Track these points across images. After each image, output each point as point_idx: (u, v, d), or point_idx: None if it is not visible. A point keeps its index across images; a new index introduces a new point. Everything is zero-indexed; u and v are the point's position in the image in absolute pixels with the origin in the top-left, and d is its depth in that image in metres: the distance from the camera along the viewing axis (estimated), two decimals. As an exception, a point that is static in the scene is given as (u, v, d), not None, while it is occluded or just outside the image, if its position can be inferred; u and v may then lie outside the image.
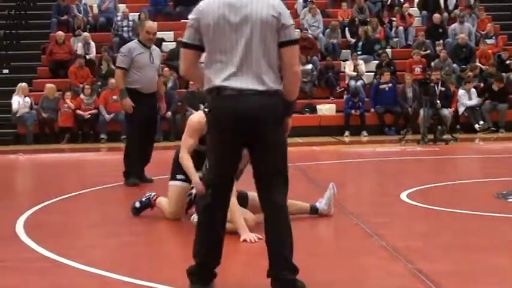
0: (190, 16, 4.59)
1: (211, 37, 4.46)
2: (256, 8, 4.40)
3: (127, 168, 10.07)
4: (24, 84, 18.84)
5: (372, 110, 18.95)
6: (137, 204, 7.51)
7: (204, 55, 4.60)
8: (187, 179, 7.00)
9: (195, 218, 6.85)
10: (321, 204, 7.13)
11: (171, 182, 7.22)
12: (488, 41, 21.28)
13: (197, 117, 6.82)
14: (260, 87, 4.39)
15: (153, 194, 7.52)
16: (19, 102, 18.51)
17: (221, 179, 4.57)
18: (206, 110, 4.70)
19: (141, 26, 10.89)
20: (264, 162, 4.49)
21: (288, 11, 4.53)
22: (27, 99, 18.68)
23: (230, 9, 4.43)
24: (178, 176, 7.13)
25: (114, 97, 17.53)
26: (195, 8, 4.59)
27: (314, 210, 7.11)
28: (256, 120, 4.39)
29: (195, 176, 6.64)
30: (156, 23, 11.24)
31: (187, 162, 6.78)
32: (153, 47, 10.18)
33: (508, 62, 20.36)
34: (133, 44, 10.17)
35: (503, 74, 19.65)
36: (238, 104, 4.38)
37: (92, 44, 20.93)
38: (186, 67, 4.67)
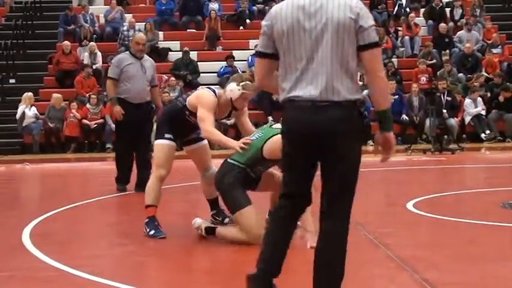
0: (263, 22, 4.23)
1: (285, 44, 4.11)
2: (332, 11, 4.04)
3: (117, 175, 10.48)
4: (29, 93, 18.87)
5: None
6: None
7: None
8: (175, 139, 7.04)
9: (195, 223, 6.85)
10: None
11: (159, 141, 7.06)
12: (494, 51, 21.26)
13: (210, 95, 6.83)
14: (336, 98, 4.03)
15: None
16: (25, 112, 18.55)
17: (296, 191, 4.28)
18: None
19: (132, 37, 11.21)
20: (332, 181, 4.16)
21: (368, 11, 4.17)
22: (33, 108, 18.71)
23: (304, 13, 4.07)
24: (167, 135, 7.05)
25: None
26: (267, 13, 4.27)
27: None
28: (328, 134, 4.04)
29: (230, 141, 6.71)
30: (143, 34, 11.57)
31: (216, 133, 6.77)
32: (146, 57, 10.40)
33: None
34: (124, 55, 10.51)
35: (508, 84, 19.62)
36: (311, 116, 4.04)
37: (99, 53, 20.99)
38: (261, 77, 4.31)
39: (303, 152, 4.14)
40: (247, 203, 6.35)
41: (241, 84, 6.74)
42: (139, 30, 21.14)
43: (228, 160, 6.57)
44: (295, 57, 4.09)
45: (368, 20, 4.09)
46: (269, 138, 6.45)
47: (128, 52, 10.52)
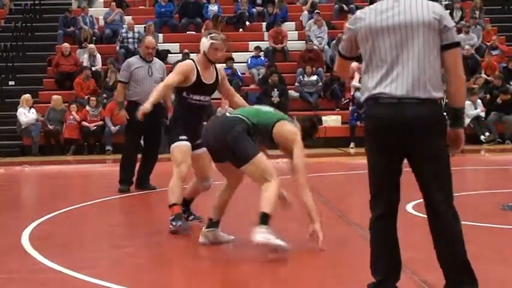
0: (347, 25, 4.44)
1: (371, 45, 4.28)
2: (417, 12, 4.21)
3: (121, 176, 10.63)
4: (27, 95, 18.86)
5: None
6: None
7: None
8: (189, 140, 7.28)
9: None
10: None
11: (175, 144, 7.30)
12: (494, 52, 21.28)
13: (184, 62, 7.37)
14: (422, 95, 4.19)
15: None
16: (24, 113, 18.55)
17: (384, 191, 4.47)
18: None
19: (141, 41, 11.62)
20: (423, 177, 4.40)
21: (449, 14, 4.38)
22: (33, 110, 18.72)
23: (389, 15, 4.24)
24: (182, 137, 7.29)
25: (120, 109, 17.54)
26: (353, 16, 4.49)
27: None
28: (414, 130, 4.20)
29: (150, 101, 7.07)
30: (152, 38, 11.68)
31: (155, 90, 7.25)
32: (155, 60, 10.73)
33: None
34: (134, 58, 10.82)
35: (509, 86, 19.63)
36: (397, 113, 4.19)
37: (98, 55, 21.00)
38: (341, 71, 4.74)
39: (388, 146, 4.28)
40: (258, 151, 6.29)
41: (208, 36, 7.22)
42: (139, 33, 21.18)
43: (237, 115, 6.49)
44: (381, 57, 4.24)
45: (451, 21, 4.30)
46: (280, 119, 6.48)
47: (137, 56, 10.85)
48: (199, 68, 7.27)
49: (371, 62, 4.29)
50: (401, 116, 4.17)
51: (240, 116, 6.44)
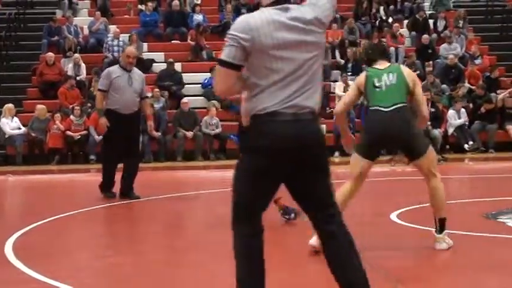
0: (237, 34, 3.98)
1: (266, 57, 3.98)
2: (312, 26, 4.04)
3: (102, 182, 10.78)
4: (10, 105, 18.79)
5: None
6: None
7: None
8: None
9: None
10: None
11: None
12: (477, 62, 21.41)
13: None
14: (313, 109, 4.07)
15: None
16: (7, 123, 18.48)
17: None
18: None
19: (122, 50, 11.55)
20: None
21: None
22: (16, 119, 18.65)
23: (287, 28, 3.98)
24: None
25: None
26: (239, 24, 4.02)
27: None
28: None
29: None
30: (133, 47, 12.22)
31: None
32: (134, 70, 10.82)
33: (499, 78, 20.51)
34: (114, 67, 10.94)
35: (491, 96, 19.74)
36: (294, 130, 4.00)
37: (83, 65, 20.94)
38: (230, 86, 4.09)
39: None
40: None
41: None
42: (124, 42, 21.16)
43: (403, 104, 6.56)
44: (277, 70, 3.98)
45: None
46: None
47: (117, 65, 10.94)
48: None
49: (265, 74, 4.04)
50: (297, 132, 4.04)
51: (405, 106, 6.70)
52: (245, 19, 4.00)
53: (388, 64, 6.74)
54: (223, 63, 4.00)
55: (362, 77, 6.69)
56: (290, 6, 4.04)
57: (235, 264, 4.14)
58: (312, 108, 4.06)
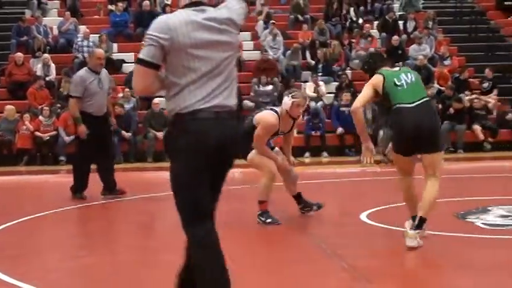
0: (156, 34, 4.07)
1: (184, 57, 4.08)
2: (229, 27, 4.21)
3: (75, 184, 10.76)
4: (-24, 106, 18.61)
5: (339, 130, 18.96)
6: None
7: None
8: None
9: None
10: None
11: (251, 154, 8.21)
12: (446, 63, 21.58)
13: (272, 116, 8.08)
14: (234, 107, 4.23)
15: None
16: (-24, 124, 18.32)
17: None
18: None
19: (91, 54, 11.52)
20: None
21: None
22: (-15, 120, 18.48)
23: (206, 29, 4.11)
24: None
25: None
26: (157, 24, 4.11)
27: None
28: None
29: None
30: (102, 50, 12.17)
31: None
32: (102, 70, 10.84)
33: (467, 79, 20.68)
34: (84, 72, 10.81)
35: (461, 96, 19.91)
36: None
37: (52, 65, 20.79)
38: (148, 85, 4.18)
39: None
40: None
41: (290, 95, 8.08)
42: (94, 42, 21.05)
43: (427, 98, 6.97)
44: (194, 69, 4.07)
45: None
46: None
47: (87, 68, 10.84)
48: (282, 121, 8.15)
49: (184, 73, 4.15)
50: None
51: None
52: (164, 20, 4.13)
53: (398, 67, 7.24)
54: (142, 62, 4.11)
55: (379, 77, 6.95)
56: (206, 8, 4.19)
57: (196, 266, 4.17)
58: (231, 107, 4.20)
